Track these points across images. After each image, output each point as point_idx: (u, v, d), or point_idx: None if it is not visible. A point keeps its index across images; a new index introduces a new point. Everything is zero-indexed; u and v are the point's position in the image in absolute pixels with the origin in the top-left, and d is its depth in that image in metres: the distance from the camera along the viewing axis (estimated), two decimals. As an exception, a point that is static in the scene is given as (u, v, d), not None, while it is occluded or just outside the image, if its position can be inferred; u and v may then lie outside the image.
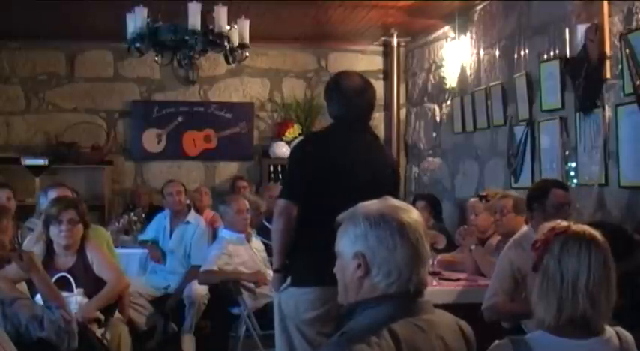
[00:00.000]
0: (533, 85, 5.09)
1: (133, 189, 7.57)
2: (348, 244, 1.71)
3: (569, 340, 1.75)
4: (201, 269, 4.88)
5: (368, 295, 1.68)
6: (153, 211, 6.66)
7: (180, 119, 7.72)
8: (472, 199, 4.85)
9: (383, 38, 7.64)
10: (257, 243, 5.18)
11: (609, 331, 1.78)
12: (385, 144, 6.88)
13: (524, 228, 4.03)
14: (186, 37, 5.16)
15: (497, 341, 1.81)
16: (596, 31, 4.25)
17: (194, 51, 5.30)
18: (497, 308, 3.47)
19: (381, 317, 1.64)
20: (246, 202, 5.14)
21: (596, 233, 1.84)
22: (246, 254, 4.95)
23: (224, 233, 5.06)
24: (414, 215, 1.72)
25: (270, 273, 5.05)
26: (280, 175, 7.49)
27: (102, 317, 3.88)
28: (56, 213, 3.88)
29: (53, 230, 3.89)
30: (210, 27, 5.22)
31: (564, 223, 1.86)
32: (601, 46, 4.21)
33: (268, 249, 5.24)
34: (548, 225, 1.88)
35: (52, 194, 4.53)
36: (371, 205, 1.74)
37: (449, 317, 1.81)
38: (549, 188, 3.72)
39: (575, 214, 3.95)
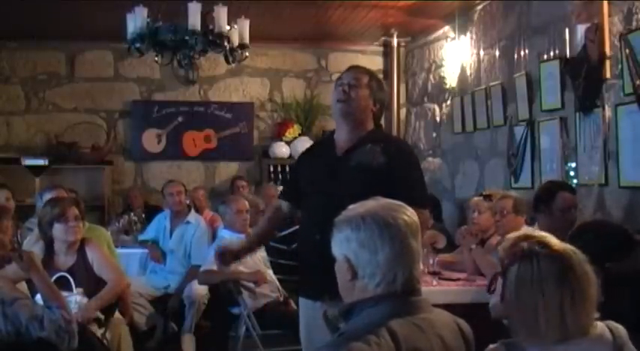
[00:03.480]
0: (533, 85, 5.09)
1: (128, 190, 7.55)
2: (336, 248, 1.74)
3: (563, 342, 1.74)
4: (201, 269, 4.88)
5: (362, 297, 1.70)
6: (151, 211, 6.66)
7: (180, 119, 7.72)
8: (475, 198, 4.85)
9: (383, 38, 7.64)
10: (257, 243, 5.17)
11: (600, 326, 1.77)
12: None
13: (525, 228, 4.03)
14: (186, 37, 5.16)
15: (490, 346, 1.80)
16: (596, 31, 4.25)
17: (194, 51, 5.30)
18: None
19: (378, 317, 1.64)
20: (246, 203, 5.13)
21: (549, 243, 1.76)
22: (246, 254, 4.95)
23: (224, 233, 5.06)
24: (402, 215, 1.72)
25: (270, 273, 5.07)
26: (280, 176, 7.50)
27: (102, 317, 3.88)
28: (61, 211, 3.89)
29: (59, 228, 3.89)
30: (210, 27, 5.22)
31: (515, 248, 1.78)
32: (601, 46, 4.22)
33: (268, 249, 5.24)
34: (501, 252, 1.82)
35: (48, 196, 4.53)
36: (357, 207, 1.75)
37: (447, 316, 1.81)
38: (557, 191, 3.72)
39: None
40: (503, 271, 1.78)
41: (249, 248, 3.35)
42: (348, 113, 2.99)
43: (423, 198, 2.97)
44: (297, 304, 4.91)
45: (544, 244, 1.76)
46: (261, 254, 5.09)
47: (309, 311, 3.01)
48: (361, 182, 2.77)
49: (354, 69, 3.11)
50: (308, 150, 3.37)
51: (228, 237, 4.99)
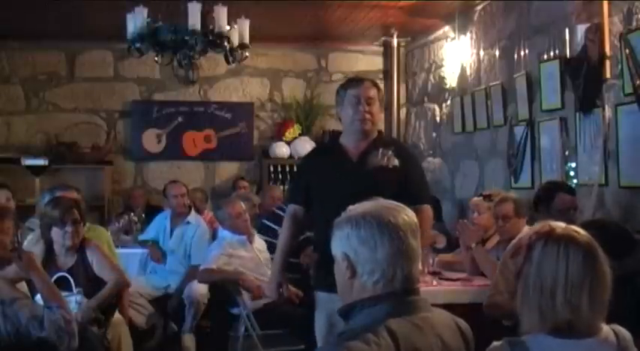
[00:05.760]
0: (533, 85, 5.09)
1: (129, 191, 7.54)
2: (336, 247, 1.75)
3: (567, 341, 1.74)
4: (201, 268, 4.88)
5: (361, 296, 1.70)
6: (152, 210, 6.66)
7: (180, 119, 7.72)
8: (475, 198, 4.84)
9: (383, 38, 7.64)
10: (259, 243, 5.17)
11: (606, 329, 1.77)
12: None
13: (527, 228, 4.02)
14: (186, 37, 5.16)
15: (494, 343, 1.80)
16: (596, 31, 4.25)
17: (194, 51, 5.30)
18: (499, 306, 3.46)
19: (378, 317, 1.65)
20: (242, 204, 5.12)
21: (580, 233, 1.78)
22: (247, 255, 4.94)
23: (224, 234, 5.05)
24: (402, 214, 1.73)
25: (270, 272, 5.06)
26: (280, 176, 7.49)
27: (102, 317, 3.88)
28: (59, 215, 3.87)
29: (57, 232, 3.88)
30: (210, 27, 5.22)
31: (546, 227, 1.81)
32: (601, 46, 4.22)
33: (270, 247, 5.23)
34: (530, 231, 1.85)
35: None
36: (357, 207, 1.77)
37: (446, 316, 1.81)
38: (556, 192, 3.71)
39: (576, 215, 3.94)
40: (529, 246, 1.78)
41: (284, 267, 3.54)
42: (370, 128, 3.27)
43: (430, 196, 3.47)
44: (299, 302, 4.93)
45: (577, 232, 1.79)
46: (263, 255, 5.09)
47: (329, 304, 3.10)
48: (379, 183, 3.03)
49: (367, 83, 3.33)
50: (314, 155, 3.60)
51: (229, 238, 4.99)
